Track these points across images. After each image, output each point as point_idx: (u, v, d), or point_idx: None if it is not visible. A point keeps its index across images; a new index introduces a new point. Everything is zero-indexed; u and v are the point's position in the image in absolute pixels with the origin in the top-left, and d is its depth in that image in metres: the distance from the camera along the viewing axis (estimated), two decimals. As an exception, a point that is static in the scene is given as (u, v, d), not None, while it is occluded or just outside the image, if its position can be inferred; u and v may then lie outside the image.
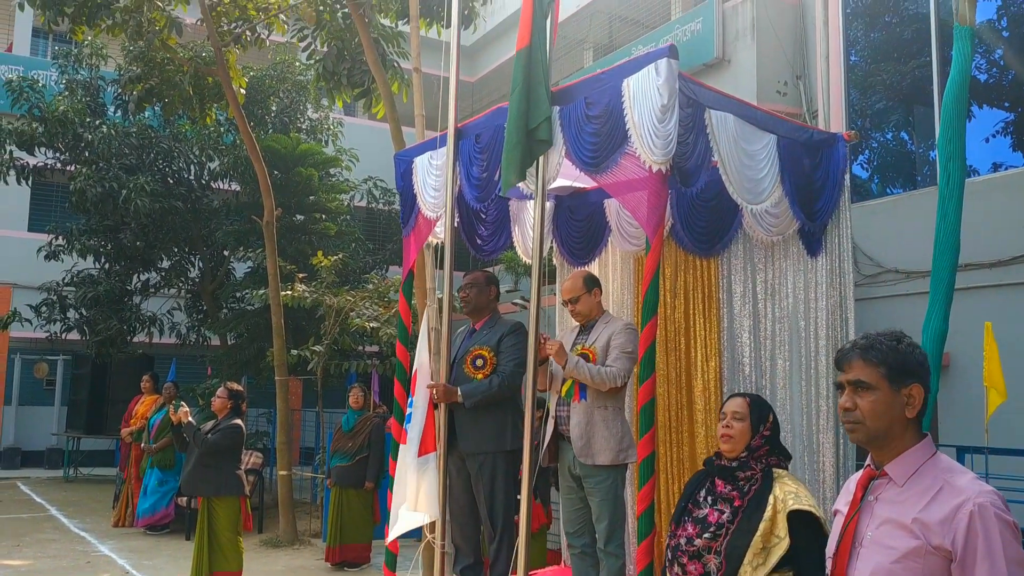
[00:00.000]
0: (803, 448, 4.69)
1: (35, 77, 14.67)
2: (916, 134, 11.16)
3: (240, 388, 7.05)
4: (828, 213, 4.67)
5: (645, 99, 3.95)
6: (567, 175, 5.65)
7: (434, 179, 5.29)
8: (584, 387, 4.64)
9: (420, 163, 5.47)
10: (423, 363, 5.22)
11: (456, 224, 5.48)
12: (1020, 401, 6.73)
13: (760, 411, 3.25)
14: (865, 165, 11.67)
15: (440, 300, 5.57)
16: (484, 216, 5.84)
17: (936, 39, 10.13)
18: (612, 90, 4.12)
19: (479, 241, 5.83)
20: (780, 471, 3.18)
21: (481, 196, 4.95)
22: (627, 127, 4.02)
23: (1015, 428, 7.36)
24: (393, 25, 9.88)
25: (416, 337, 5.64)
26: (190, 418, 6.94)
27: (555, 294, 6.43)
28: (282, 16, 11.18)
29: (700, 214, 5.20)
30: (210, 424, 6.90)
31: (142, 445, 11.03)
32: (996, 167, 9.96)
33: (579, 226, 6.05)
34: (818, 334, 4.71)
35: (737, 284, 5.17)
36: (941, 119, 4.15)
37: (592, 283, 4.95)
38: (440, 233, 5.34)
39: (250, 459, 10.57)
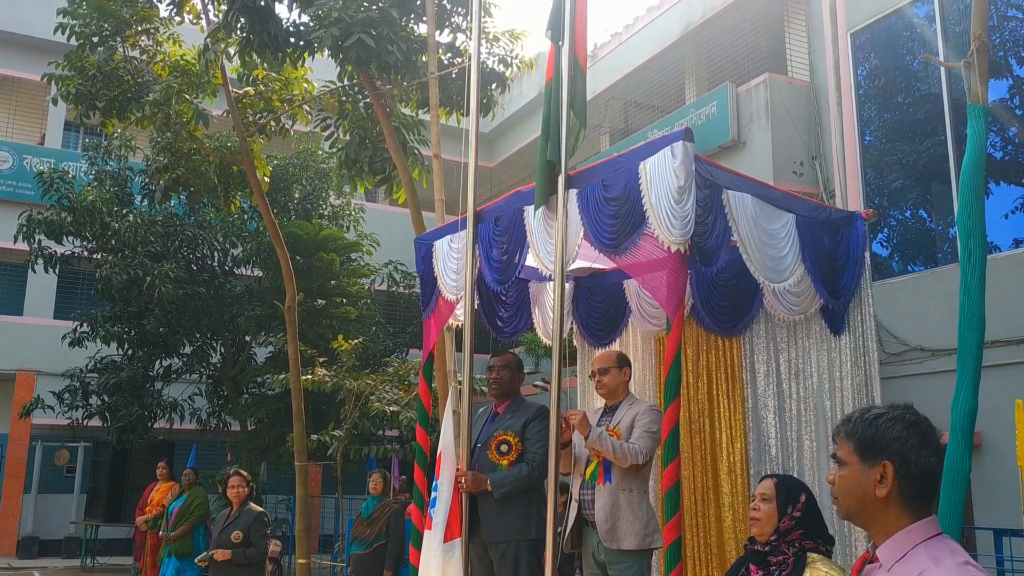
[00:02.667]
0: (833, 532, 4.55)
1: (65, 168, 15.09)
2: (934, 212, 11.18)
3: (247, 473, 7.02)
4: (851, 291, 4.66)
5: (662, 181, 3.99)
6: (586, 256, 5.70)
7: (454, 262, 5.33)
8: (609, 469, 4.56)
9: (440, 246, 5.52)
10: (448, 445, 5.16)
11: (476, 306, 5.51)
12: (1057, 481, 6.55)
13: (789, 492, 3.17)
14: (885, 243, 11.67)
15: (461, 382, 5.54)
16: (504, 298, 5.86)
17: (950, 118, 10.23)
18: (629, 172, 4.17)
19: (499, 323, 5.83)
20: (815, 555, 3.08)
21: (501, 279, 4.97)
22: (645, 208, 4.05)
23: (1053, 509, 7.14)
24: (414, 114, 10.12)
25: (436, 421, 5.60)
26: (228, 554, 6.84)
27: (576, 376, 6.40)
28: (306, 107, 11.49)
29: (721, 294, 5.19)
30: (228, 513, 6.83)
31: (160, 533, 10.90)
32: (1017, 243, 9.93)
33: (599, 307, 6.05)
34: (844, 413, 4.62)
35: (760, 364, 5.13)
36: (959, 196, 4.17)
37: (624, 362, 4.95)
38: (460, 315, 5.35)
39: (269, 547, 10.41)
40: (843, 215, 4.77)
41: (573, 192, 4.48)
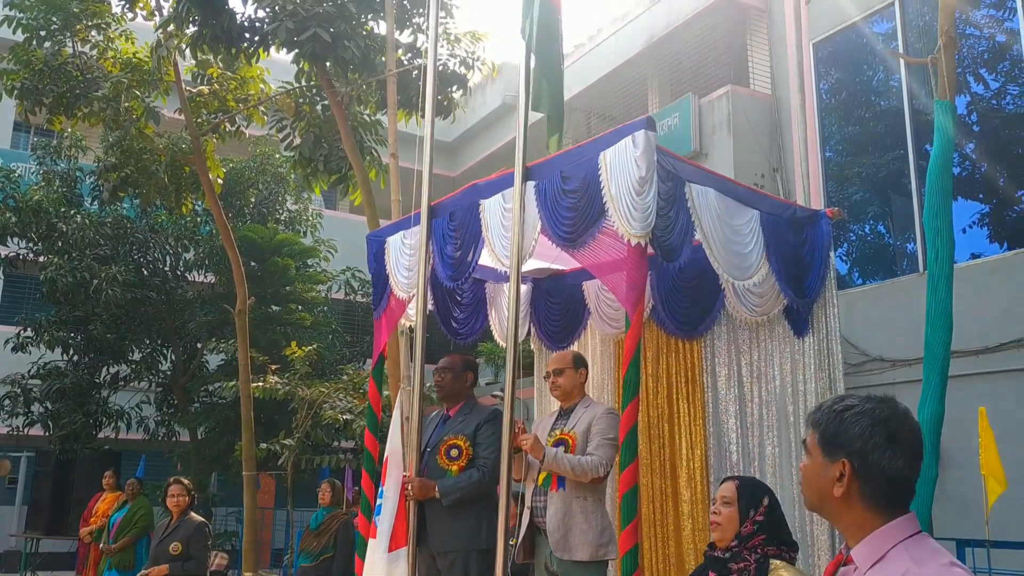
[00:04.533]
0: (797, 538, 4.39)
1: (12, 168, 14.59)
2: (894, 225, 11.21)
3: (188, 482, 6.72)
4: (815, 291, 4.51)
5: (622, 171, 3.82)
6: (544, 256, 5.51)
7: (407, 259, 5.11)
8: (562, 477, 4.37)
9: (393, 243, 5.31)
10: (395, 450, 4.92)
11: (430, 307, 5.30)
12: (1020, 489, 6.48)
13: (752, 495, 3.00)
14: (844, 257, 11.68)
15: (413, 386, 5.30)
16: (460, 298, 5.65)
17: (911, 131, 10.27)
18: (589, 163, 4.00)
19: (454, 324, 5.62)
20: (777, 562, 2.90)
21: (455, 275, 4.76)
22: (604, 200, 3.87)
23: (1018, 519, 7.08)
24: (371, 114, 9.90)
25: (386, 426, 5.36)
26: (164, 569, 6.52)
27: (533, 387, 6.20)
28: (261, 108, 11.20)
29: (681, 295, 5.02)
30: (167, 523, 6.51)
31: (101, 545, 10.47)
32: (974, 256, 9.98)
33: (557, 309, 5.87)
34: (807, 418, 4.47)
35: (721, 367, 4.97)
36: (926, 196, 4.06)
37: (580, 362, 4.76)
38: (413, 315, 5.12)
39: (215, 560, 10.03)
40: (808, 213, 4.64)
41: (531, 185, 4.30)
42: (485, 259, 5.04)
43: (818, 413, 1.90)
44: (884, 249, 11.46)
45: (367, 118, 9.47)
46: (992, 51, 10.19)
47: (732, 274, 4.14)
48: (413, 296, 4.99)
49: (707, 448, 4.97)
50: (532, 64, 4.45)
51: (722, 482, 3.14)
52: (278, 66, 11.31)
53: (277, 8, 7.62)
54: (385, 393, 5.90)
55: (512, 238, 4.26)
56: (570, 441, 4.40)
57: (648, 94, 15.36)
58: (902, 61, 10.06)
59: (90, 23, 10.84)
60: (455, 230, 4.76)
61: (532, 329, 6.02)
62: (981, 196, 10.33)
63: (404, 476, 4.75)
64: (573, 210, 4.04)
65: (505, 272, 4.59)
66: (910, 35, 10.37)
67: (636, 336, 3.74)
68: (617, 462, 3.78)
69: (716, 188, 4.18)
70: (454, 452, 4.68)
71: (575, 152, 4.14)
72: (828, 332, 4.52)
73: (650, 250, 3.83)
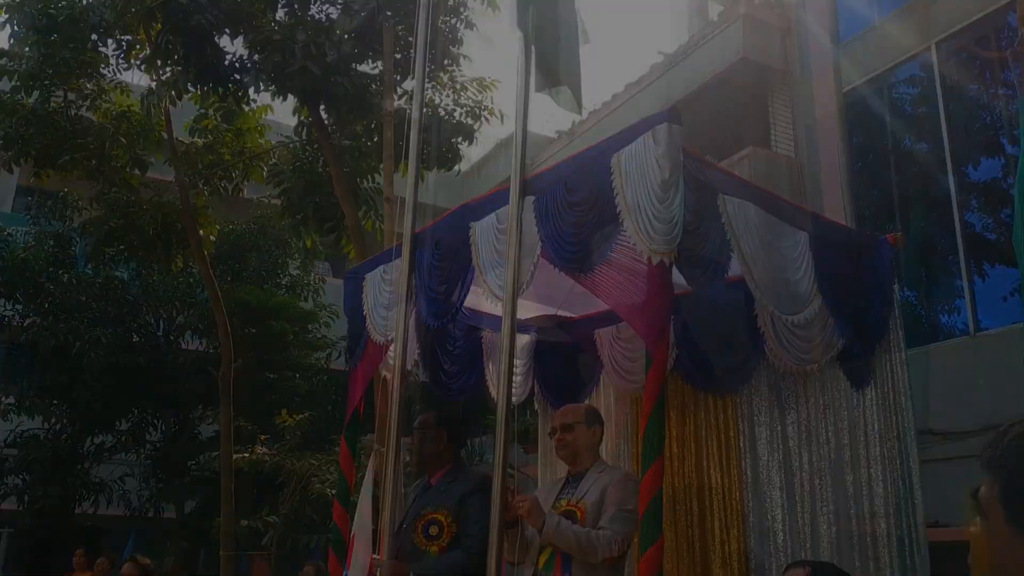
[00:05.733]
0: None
1: (6, 230, 14.11)
2: (937, 289, 10.49)
3: (148, 561, 5.87)
4: (879, 331, 3.67)
5: (640, 175, 3.07)
6: (549, 300, 4.74)
7: (386, 296, 4.34)
8: (569, 559, 3.48)
9: (371, 279, 4.55)
10: (363, 526, 4.05)
11: (415, 356, 4.52)
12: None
13: None
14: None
15: (388, 447, 4.43)
16: (450, 347, 4.85)
17: (954, 190, 9.67)
18: (599, 169, 3.25)
19: (444, 377, 4.81)
20: None
21: (439, 313, 3.98)
22: (619, 211, 3.12)
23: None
24: (370, 163, 9.31)
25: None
26: None
27: (536, 463, 5.35)
28: (259, 163, 10.67)
29: (711, 341, 4.19)
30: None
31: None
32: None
33: (565, 362, 5.05)
34: (873, 489, 3.58)
35: (762, 428, 4.09)
36: (1016, 207, 3.27)
37: (594, 418, 3.90)
38: (392, 363, 4.30)
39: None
40: (865, 238, 3.87)
41: (530, 200, 3.55)
42: (481, 302, 4.27)
43: (993, 450, 1.12)
44: (919, 317, 10.68)
45: (363, 164, 8.84)
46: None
47: (780, 308, 3.33)
48: (391, 339, 4.20)
49: (745, 528, 4.05)
50: (532, 58, 3.74)
51: (787, 570, 2.27)
52: (277, 125, 10.87)
53: (267, 39, 7.06)
54: (358, 452, 5.07)
55: (507, 263, 3.49)
56: (578, 514, 3.54)
57: (666, 158, 14.81)
58: (942, 110, 9.42)
59: (83, 72, 10.43)
60: (441, 260, 4.00)
61: (535, 387, 5.19)
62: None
63: (373, 558, 3.85)
64: (579, 226, 3.28)
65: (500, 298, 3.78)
66: (948, 80, 9.74)
67: (659, 378, 2.93)
68: (636, 541, 2.93)
69: (757, 203, 3.40)
70: (433, 529, 3.79)
71: (581, 157, 3.42)
72: (895, 383, 3.67)
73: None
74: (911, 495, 3.51)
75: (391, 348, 4.26)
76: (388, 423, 4.12)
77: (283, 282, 14.79)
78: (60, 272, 13.26)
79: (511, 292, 3.48)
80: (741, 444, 4.20)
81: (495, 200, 3.80)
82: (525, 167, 3.64)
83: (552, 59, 3.79)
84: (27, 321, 13.25)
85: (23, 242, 14.78)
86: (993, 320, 9.56)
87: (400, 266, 4.19)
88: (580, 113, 3.86)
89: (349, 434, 4.68)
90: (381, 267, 4.49)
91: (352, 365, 4.67)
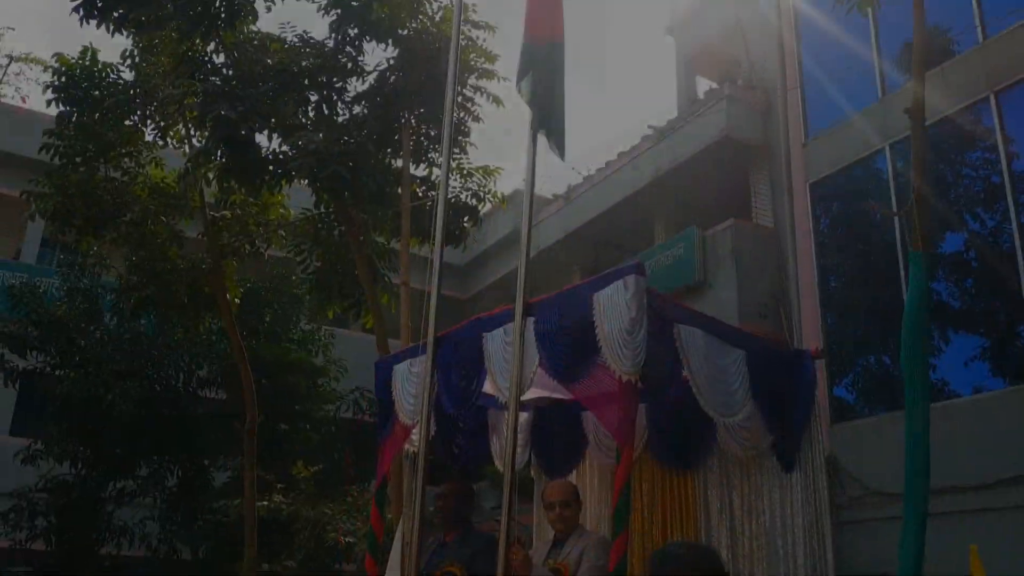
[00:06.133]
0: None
1: (37, 284, 15.06)
2: (895, 356, 11.36)
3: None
4: (801, 428, 4.71)
5: (614, 312, 4.10)
6: (545, 385, 5.74)
7: (413, 386, 5.35)
8: (556, 605, 4.47)
9: (399, 370, 5.55)
10: (392, 571, 5.02)
11: (433, 433, 5.49)
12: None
13: None
14: (850, 387, 11.81)
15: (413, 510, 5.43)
16: (462, 425, 5.84)
17: (904, 265, 10.55)
18: (583, 303, 4.28)
19: (455, 450, 5.80)
20: None
21: (459, 404, 4.99)
22: (598, 339, 4.14)
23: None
24: (386, 242, 10.33)
25: (388, 550, 5.47)
26: None
27: (531, 513, 6.31)
28: (281, 232, 11.69)
29: (676, 428, 5.22)
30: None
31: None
32: (976, 390, 10.08)
33: (557, 437, 6.05)
34: (796, 553, 4.60)
35: (714, 499, 5.11)
36: (902, 340, 4.30)
37: (579, 496, 5.01)
38: (416, 440, 5.32)
39: None
40: (793, 352, 4.90)
41: (531, 321, 4.57)
42: (487, 387, 5.27)
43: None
44: (887, 378, 11.58)
45: (382, 246, 9.88)
46: (988, 190, 10.52)
47: (718, 411, 4.36)
48: (417, 422, 5.20)
49: (700, 581, 5.05)
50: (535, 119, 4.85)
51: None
52: (298, 190, 11.85)
53: (300, 143, 8.13)
54: (388, 516, 6.02)
55: (512, 371, 4.50)
56: (564, 571, 4.52)
57: (655, 225, 15.83)
58: (892, 189, 10.48)
59: (123, 150, 11.47)
60: (459, 361, 5.01)
61: (532, 457, 6.19)
62: (982, 330, 10.50)
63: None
64: (569, 347, 4.30)
65: (506, 401, 4.82)
66: (900, 178, 10.82)
67: (626, 469, 3.93)
68: (607, 591, 3.90)
69: (704, 328, 4.45)
70: (450, 580, 4.80)
71: (571, 292, 4.44)
72: (815, 468, 4.69)
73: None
74: (824, 556, 4.52)
75: (415, 429, 5.28)
76: (413, 493, 5.12)
77: (294, 336, 15.72)
78: (91, 328, 14.20)
79: (514, 392, 4.50)
80: (697, 511, 5.22)
81: (503, 317, 4.83)
82: (527, 294, 4.68)
83: (544, 113, 4.89)
84: (59, 373, 14.17)
85: (52, 295, 15.75)
86: (959, 384, 10.46)
87: (425, 362, 5.21)
88: (564, 159, 4.98)
89: (379, 498, 5.64)
90: (408, 361, 5.51)
91: (381, 440, 5.65)
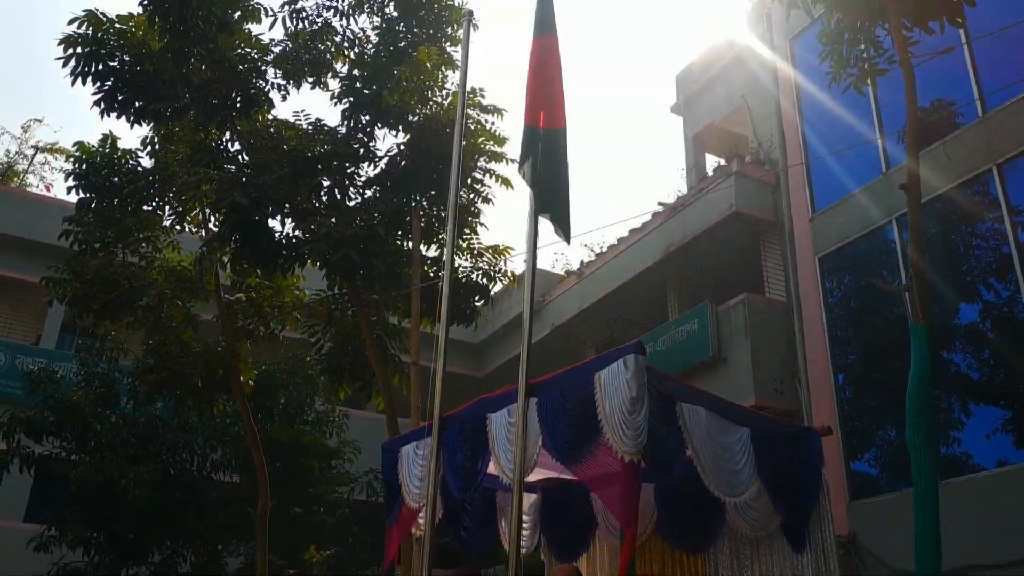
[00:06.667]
0: None
1: (55, 369, 15.19)
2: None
3: None
4: (810, 507, 4.65)
5: (615, 391, 4.11)
6: (552, 465, 5.71)
7: (419, 468, 5.34)
8: None
9: (406, 453, 5.56)
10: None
11: (440, 516, 5.45)
12: None
13: None
14: (872, 462, 11.61)
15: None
16: (469, 508, 5.80)
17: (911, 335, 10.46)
18: (585, 383, 4.30)
19: (463, 533, 5.75)
20: None
21: (464, 486, 4.97)
22: (599, 418, 4.14)
23: None
24: (398, 322, 10.41)
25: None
26: None
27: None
28: (296, 313, 11.80)
29: (685, 508, 5.17)
30: None
31: None
32: (1000, 463, 9.89)
33: (566, 519, 5.99)
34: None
35: (725, 580, 5.02)
36: (907, 416, 4.27)
37: None
38: (423, 522, 5.28)
39: None
40: (799, 430, 4.86)
41: (533, 401, 4.58)
42: (492, 468, 5.25)
43: None
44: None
45: (393, 327, 9.96)
46: (999, 261, 10.50)
47: (723, 491, 4.32)
48: (423, 506, 5.18)
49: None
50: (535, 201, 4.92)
51: None
52: (312, 271, 12.00)
53: (313, 228, 8.30)
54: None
55: (515, 452, 4.50)
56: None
57: (668, 300, 15.87)
58: (900, 261, 10.46)
59: (141, 235, 11.70)
60: (464, 442, 5.02)
61: (542, 540, 6.12)
62: (1002, 402, 10.35)
63: None
64: (571, 427, 4.30)
65: (510, 483, 4.80)
66: (908, 248, 10.83)
67: (630, 550, 3.89)
68: None
69: (707, 407, 4.44)
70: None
71: (573, 372, 4.46)
72: (826, 547, 4.61)
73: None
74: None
75: (422, 512, 5.25)
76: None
77: (309, 418, 15.70)
78: (107, 412, 14.26)
79: (519, 475, 4.48)
80: (708, 594, 5.12)
81: (507, 398, 4.85)
82: (529, 374, 4.70)
83: (548, 197, 4.96)
84: (74, 458, 14.17)
85: (70, 380, 15.86)
86: (982, 457, 10.27)
87: (431, 443, 5.21)
88: (568, 243, 5.03)
89: (386, 582, 5.58)
90: (414, 443, 5.51)
91: (388, 524, 5.62)
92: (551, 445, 4.40)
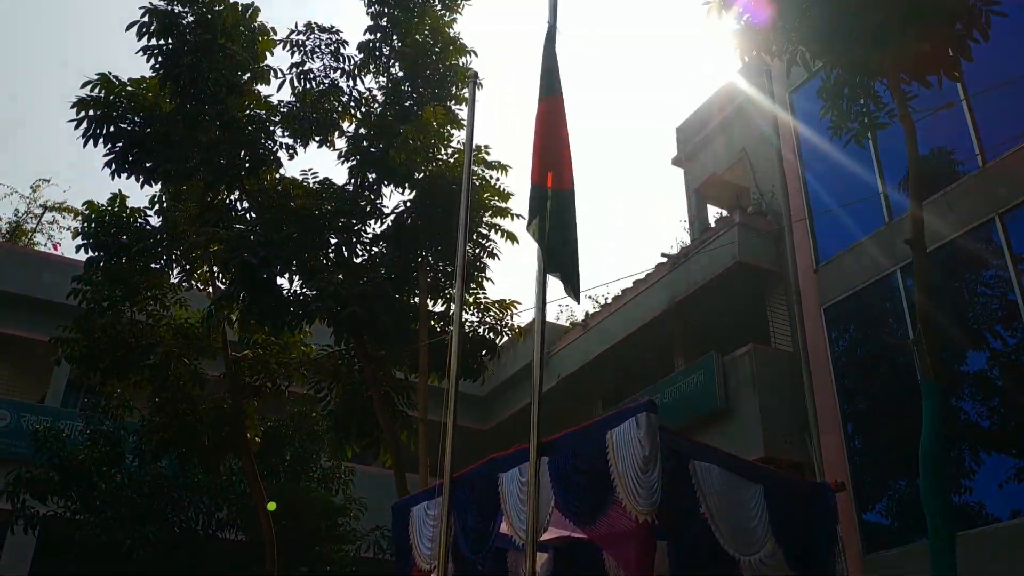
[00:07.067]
0: None
1: (61, 427, 15.15)
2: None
3: None
4: (824, 564, 4.60)
5: (628, 450, 4.11)
6: (565, 524, 5.66)
7: (430, 529, 5.31)
8: None
9: (416, 513, 5.53)
10: None
11: (452, 576, 5.40)
12: None
13: None
14: (882, 514, 11.48)
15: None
16: (481, 568, 5.74)
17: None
18: (597, 442, 4.30)
19: (475, 595, 5.68)
20: None
21: (476, 547, 4.94)
22: (612, 478, 4.13)
23: None
24: (405, 377, 10.41)
25: None
26: None
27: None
28: (302, 370, 11.81)
29: (699, 567, 5.10)
30: None
31: None
32: (1015, 514, 9.77)
33: (578, 579, 5.92)
34: None
35: (742, 641, 4.94)
36: (921, 476, 4.25)
37: None
38: (434, 585, 5.24)
39: None
40: (812, 486, 4.84)
41: (545, 461, 4.57)
42: (504, 528, 5.21)
43: None
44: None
45: (401, 382, 9.96)
46: (1005, 308, 10.50)
47: (738, 549, 4.29)
48: (435, 568, 5.13)
49: None
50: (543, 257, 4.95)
51: None
52: (318, 327, 12.04)
53: (321, 285, 8.36)
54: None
55: (527, 513, 4.48)
56: None
57: (673, 351, 15.84)
58: (906, 311, 10.46)
59: (149, 293, 11.77)
60: (476, 502, 4.99)
61: (554, 601, 6.05)
62: (1014, 451, 10.25)
63: None
64: (584, 487, 4.29)
65: (522, 543, 4.76)
66: (914, 297, 10.84)
67: (646, 613, 3.85)
68: None
69: (720, 464, 4.43)
70: None
71: (584, 431, 4.46)
72: (842, 607, 4.56)
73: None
74: None
75: (434, 574, 5.20)
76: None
77: (314, 474, 15.59)
78: (112, 471, 14.18)
79: (531, 536, 4.45)
80: (726, 655, 5.03)
81: (518, 457, 4.84)
82: (541, 432, 4.69)
83: (556, 257, 4.98)
84: (79, 518, 14.06)
85: (75, 438, 15.80)
86: (996, 507, 10.14)
87: (442, 504, 5.19)
88: (579, 302, 5.04)
89: (398, 646, 5.50)
90: (425, 503, 5.48)
91: (399, 586, 5.57)
92: (563, 505, 4.38)
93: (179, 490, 14.41)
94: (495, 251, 10.54)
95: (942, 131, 10.98)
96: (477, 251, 10.47)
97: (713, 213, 17.68)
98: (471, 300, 10.54)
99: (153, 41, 9.68)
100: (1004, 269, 10.41)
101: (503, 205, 10.36)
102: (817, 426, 11.89)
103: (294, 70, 10.48)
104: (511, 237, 10.45)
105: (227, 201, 10.62)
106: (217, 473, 12.48)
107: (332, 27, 10.51)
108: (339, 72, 10.56)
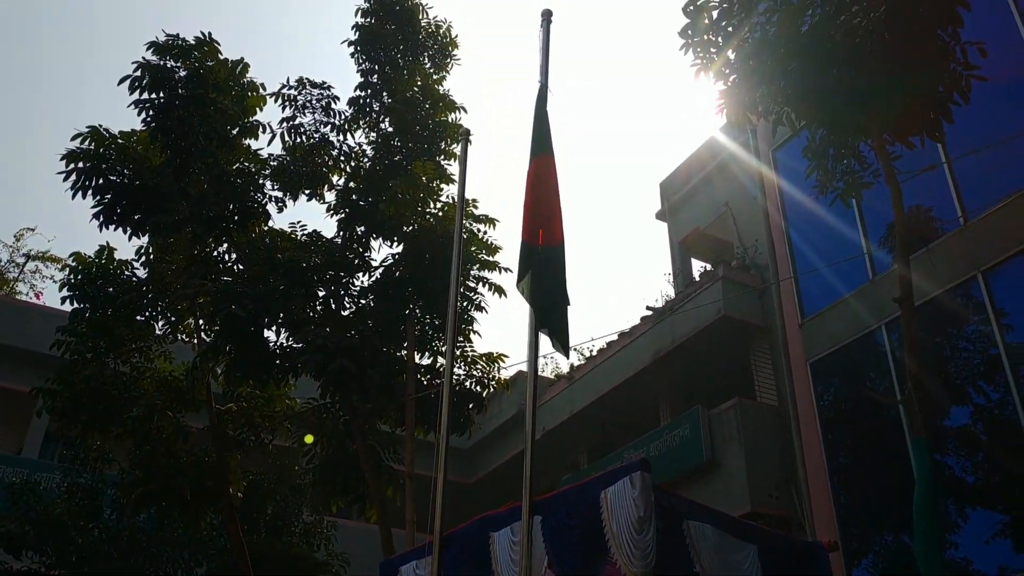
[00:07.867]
0: None
1: (37, 480, 14.87)
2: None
3: None
4: (818, 626, 4.57)
5: (622, 510, 4.09)
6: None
7: (420, 589, 5.23)
8: None
9: (405, 572, 5.46)
10: None
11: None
12: None
13: None
14: (870, 569, 11.40)
15: None
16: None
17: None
18: (591, 501, 4.28)
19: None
20: None
21: (466, 607, 4.87)
22: (607, 538, 4.11)
23: None
24: (391, 430, 10.34)
25: None
26: None
27: None
28: (287, 423, 11.70)
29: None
30: None
31: None
32: (1002, 571, 9.73)
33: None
34: None
35: None
36: (915, 533, 4.25)
37: None
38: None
39: None
40: (805, 545, 4.82)
41: (538, 519, 4.54)
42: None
43: None
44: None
45: (387, 436, 9.88)
46: (987, 363, 10.57)
47: (733, 611, 4.26)
48: (425, 628, 5.06)
49: None
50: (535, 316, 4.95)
51: None
52: (302, 380, 11.95)
53: (309, 338, 8.33)
54: None
55: (520, 573, 4.43)
56: None
57: (659, 404, 15.81)
58: (892, 367, 10.52)
59: (134, 345, 11.66)
60: (466, 562, 4.94)
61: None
62: (999, 506, 10.23)
63: None
64: (577, 546, 4.26)
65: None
66: (899, 353, 10.93)
67: (641, 677, 3.79)
68: None
69: (713, 523, 4.41)
70: None
71: (578, 490, 4.44)
72: (838, 669, 4.51)
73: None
74: None
75: (423, 635, 5.12)
76: None
77: (296, 529, 15.34)
78: (89, 525, 13.90)
79: (524, 595, 4.40)
80: None
81: (509, 516, 4.80)
82: (533, 492, 4.66)
83: (546, 313, 4.97)
84: (54, 573, 13.74)
85: (52, 491, 15.49)
86: (982, 562, 10.08)
87: (431, 562, 5.12)
88: (568, 357, 5.02)
89: None
90: (414, 562, 5.41)
91: (388, 648, 5.46)
92: (557, 564, 4.34)
93: (158, 545, 14.13)
94: (483, 304, 10.56)
95: (924, 190, 11.16)
96: (465, 304, 10.48)
97: (697, 267, 17.82)
98: (459, 353, 10.52)
99: (145, 95, 9.75)
100: (987, 324, 10.52)
101: (491, 259, 10.41)
102: (806, 480, 11.86)
103: (285, 124, 10.58)
104: (499, 290, 10.48)
105: (215, 253, 10.62)
106: (197, 528, 12.23)
107: (323, 83, 10.67)
108: (329, 127, 10.67)
